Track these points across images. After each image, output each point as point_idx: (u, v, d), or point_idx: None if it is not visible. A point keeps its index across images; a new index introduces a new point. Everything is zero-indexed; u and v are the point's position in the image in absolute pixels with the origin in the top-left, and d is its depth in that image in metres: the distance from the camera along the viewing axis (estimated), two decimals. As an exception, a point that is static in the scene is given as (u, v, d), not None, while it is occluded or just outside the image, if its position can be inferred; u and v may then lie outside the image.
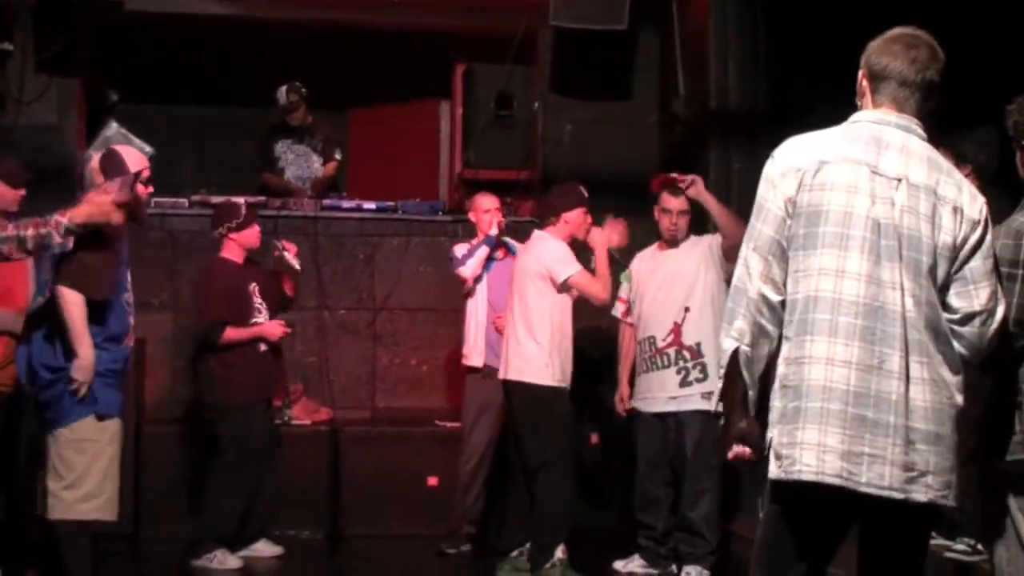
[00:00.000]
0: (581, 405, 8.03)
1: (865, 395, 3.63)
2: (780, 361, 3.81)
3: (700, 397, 7.23)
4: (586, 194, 7.53)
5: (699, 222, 7.56)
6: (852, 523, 3.84)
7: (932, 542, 6.53)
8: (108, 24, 9.54)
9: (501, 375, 7.53)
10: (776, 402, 3.83)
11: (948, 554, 6.37)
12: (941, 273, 3.71)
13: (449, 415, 8.93)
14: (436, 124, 11.52)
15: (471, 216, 8.37)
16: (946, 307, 3.74)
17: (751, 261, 3.82)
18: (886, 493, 3.63)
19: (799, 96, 8.71)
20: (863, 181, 3.71)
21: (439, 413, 9.17)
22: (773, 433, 3.80)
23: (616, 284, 7.61)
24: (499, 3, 9.61)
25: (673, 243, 7.49)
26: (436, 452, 8.61)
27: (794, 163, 3.82)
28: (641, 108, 9.78)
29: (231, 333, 7.71)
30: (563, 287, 7.30)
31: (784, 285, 3.78)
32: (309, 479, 8.54)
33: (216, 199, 9.04)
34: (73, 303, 5.97)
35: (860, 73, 3.95)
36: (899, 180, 3.71)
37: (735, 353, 3.86)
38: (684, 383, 7.29)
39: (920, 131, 3.83)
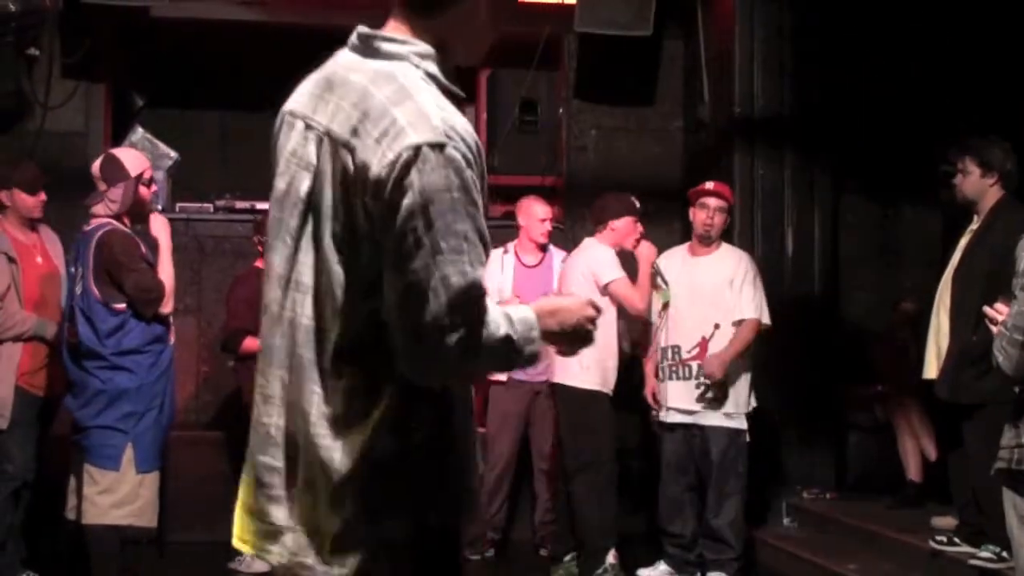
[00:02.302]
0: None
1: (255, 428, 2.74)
2: None
3: (722, 415, 7.25)
4: (638, 205, 7.54)
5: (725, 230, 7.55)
6: None
7: (957, 549, 6.60)
8: (133, 29, 9.58)
9: (548, 378, 7.61)
10: None
11: (973, 561, 6.36)
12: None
13: (473, 420, 8.91)
14: (460, 129, 11.53)
15: (520, 220, 8.26)
16: None
17: None
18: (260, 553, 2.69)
19: (824, 101, 8.70)
20: (291, 140, 2.65)
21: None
22: None
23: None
24: (524, 8, 9.61)
25: (707, 240, 7.43)
26: (460, 457, 8.59)
27: None
28: (666, 114, 9.77)
29: (250, 343, 7.64)
30: (603, 291, 7.29)
31: None
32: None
33: (241, 204, 9.05)
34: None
35: None
36: (309, 127, 2.61)
37: None
38: (702, 398, 7.26)
39: (392, 46, 2.61)
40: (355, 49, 2.63)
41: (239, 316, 7.79)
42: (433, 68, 2.63)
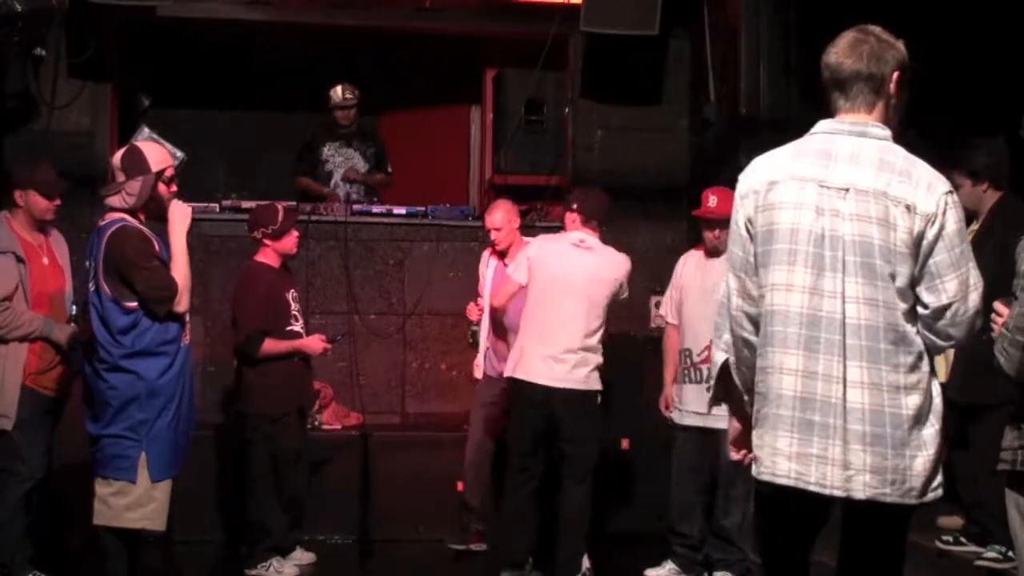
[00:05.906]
0: (612, 411, 8.00)
1: (810, 400, 3.92)
2: (756, 370, 4.10)
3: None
4: None
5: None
6: (818, 518, 4.14)
7: (963, 549, 6.60)
8: (140, 29, 9.59)
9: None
10: (754, 408, 4.15)
11: (979, 562, 6.37)
12: (903, 272, 3.85)
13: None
14: (467, 129, 11.54)
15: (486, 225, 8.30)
16: (920, 303, 3.89)
17: (729, 279, 4.16)
18: (827, 491, 3.91)
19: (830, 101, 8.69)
20: (809, 196, 3.93)
21: (468, 418, 9.16)
22: (753, 436, 4.14)
23: None
24: (530, 8, 9.61)
25: (715, 253, 7.32)
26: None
27: (751, 185, 4.10)
28: (672, 113, 9.76)
29: (269, 346, 7.54)
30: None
31: (760, 299, 4.07)
32: (339, 484, 8.55)
33: (247, 204, 9.06)
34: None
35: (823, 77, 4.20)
36: (846, 190, 3.89)
37: (725, 363, 4.27)
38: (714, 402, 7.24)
39: (879, 131, 3.99)
40: (852, 134, 3.98)
41: (257, 318, 7.59)
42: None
